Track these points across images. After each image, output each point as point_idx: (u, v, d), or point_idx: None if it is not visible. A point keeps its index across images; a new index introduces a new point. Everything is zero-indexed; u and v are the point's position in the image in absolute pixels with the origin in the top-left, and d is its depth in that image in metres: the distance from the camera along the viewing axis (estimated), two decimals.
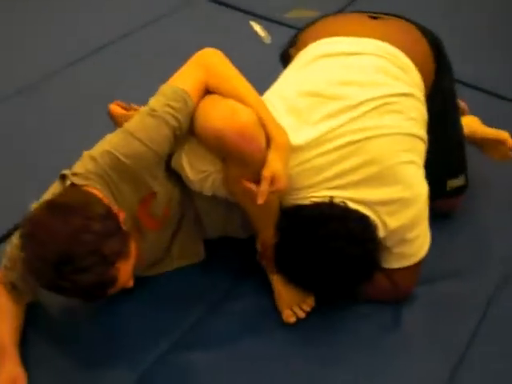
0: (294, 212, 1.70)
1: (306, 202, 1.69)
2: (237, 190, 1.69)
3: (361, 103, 1.69)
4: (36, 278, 1.45)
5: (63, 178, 1.62)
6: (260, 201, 1.60)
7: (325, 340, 1.80)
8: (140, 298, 1.83)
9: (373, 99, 1.70)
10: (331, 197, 1.67)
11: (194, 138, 1.66)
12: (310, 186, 1.69)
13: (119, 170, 1.58)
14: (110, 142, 1.60)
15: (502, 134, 2.15)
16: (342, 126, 1.67)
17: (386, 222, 1.70)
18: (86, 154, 1.62)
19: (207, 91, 1.67)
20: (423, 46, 1.90)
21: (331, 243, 1.63)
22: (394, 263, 1.79)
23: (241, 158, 1.60)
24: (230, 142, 1.55)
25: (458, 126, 2.03)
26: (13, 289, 1.70)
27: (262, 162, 1.60)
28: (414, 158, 1.74)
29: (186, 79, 1.64)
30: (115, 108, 2.07)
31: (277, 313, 1.83)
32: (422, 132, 1.79)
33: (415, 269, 1.81)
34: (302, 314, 1.82)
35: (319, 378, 1.72)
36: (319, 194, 1.69)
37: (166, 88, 1.64)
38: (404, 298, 1.87)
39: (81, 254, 1.38)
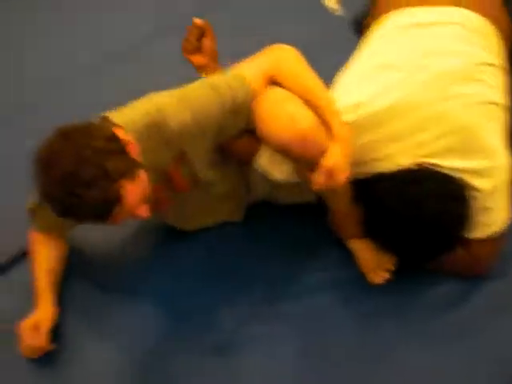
0: (382, 177, 1.72)
1: (392, 167, 1.71)
2: (305, 179, 1.73)
3: (443, 73, 1.69)
4: (47, 200, 1.50)
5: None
6: (315, 188, 1.67)
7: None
8: None
9: (456, 67, 1.70)
10: (419, 163, 1.69)
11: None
12: (393, 155, 1.72)
13: (160, 130, 1.61)
14: (165, 102, 1.62)
15: None
16: (422, 95, 1.69)
17: (471, 186, 1.70)
18: (145, 100, 1.65)
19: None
20: (501, 7, 1.87)
21: (424, 202, 1.65)
22: (473, 232, 1.75)
23: (305, 161, 1.66)
24: (295, 150, 1.62)
25: None
26: (44, 231, 1.83)
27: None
28: (497, 126, 1.73)
29: (253, 69, 1.67)
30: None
31: None
32: (504, 100, 1.77)
33: (495, 242, 1.78)
34: (386, 275, 1.84)
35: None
36: (404, 162, 1.71)
37: (231, 73, 1.67)
38: (482, 273, 1.83)
39: (83, 169, 1.43)
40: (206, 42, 1.90)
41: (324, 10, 2.76)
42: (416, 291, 1.85)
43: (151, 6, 2.89)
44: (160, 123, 1.61)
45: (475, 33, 1.79)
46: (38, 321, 1.72)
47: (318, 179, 1.65)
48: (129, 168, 1.49)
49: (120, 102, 1.68)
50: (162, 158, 1.67)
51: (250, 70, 1.67)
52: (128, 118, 1.60)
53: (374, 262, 1.85)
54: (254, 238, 2.00)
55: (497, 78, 1.77)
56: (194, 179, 1.77)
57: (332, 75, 1.88)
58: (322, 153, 1.62)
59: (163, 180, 1.73)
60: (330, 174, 1.63)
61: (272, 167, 1.80)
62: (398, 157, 1.72)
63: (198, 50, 1.91)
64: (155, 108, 1.61)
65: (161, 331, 1.83)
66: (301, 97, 1.65)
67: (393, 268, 1.84)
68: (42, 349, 1.72)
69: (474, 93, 1.71)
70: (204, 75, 1.89)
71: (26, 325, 1.71)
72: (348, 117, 1.70)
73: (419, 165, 1.70)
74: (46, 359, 1.74)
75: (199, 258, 1.96)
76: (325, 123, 1.64)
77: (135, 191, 1.51)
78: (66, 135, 1.47)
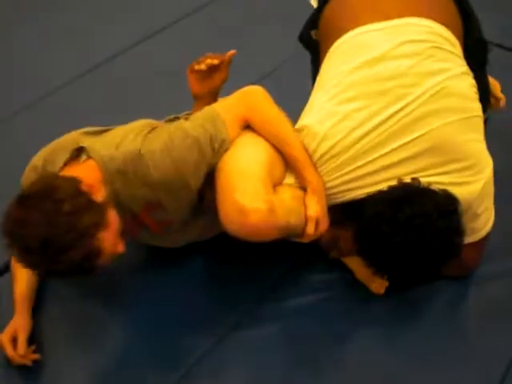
0: (371, 200, 1.65)
1: (382, 187, 1.65)
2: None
3: (417, 97, 1.64)
4: (30, 268, 1.53)
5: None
6: (307, 241, 1.68)
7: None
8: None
9: (431, 87, 1.64)
10: (413, 178, 1.63)
11: None
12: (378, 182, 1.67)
13: (139, 174, 1.60)
14: (149, 148, 1.60)
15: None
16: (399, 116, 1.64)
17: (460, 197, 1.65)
18: (126, 133, 1.65)
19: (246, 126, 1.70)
20: (451, 4, 1.81)
21: (419, 219, 1.57)
22: (466, 238, 1.70)
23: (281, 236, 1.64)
24: (248, 239, 1.59)
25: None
26: None
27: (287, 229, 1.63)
28: (478, 136, 1.71)
29: (227, 112, 1.67)
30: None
31: None
32: (479, 106, 1.73)
33: (482, 243, 1.79)
34: (385, 283, 1.82)
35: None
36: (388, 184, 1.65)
37: (208, 112, 1.67)
38: (471, 272, 1.87)
39: (58, 235, 1.44)
40: (217, 78, 1.85)
41: None
42: (415, 297, 1.85)
43: None
44: (140, 168, 1.60)
45: (439, 43, 1.71)
46: (15, 330, 1.72)
47: (309, 231, 1.66)
48: (100, 217, 1.50)
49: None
50: (135, 199, 1.65)
51: (226, 115, 1.66)
52: (107, 153, 1.61)
53: (371, 272, 1.81)
54: None
55: (471, 87, 1.72)
56: (166, 223, 1.74)
57: None
58: (278, 233, 1.61)
59: (134, 218, 1.70)
60: (318, 224, 1.66)
61: None
62: (383, 184, 1.66)
63: (204, 77, 1.84)
64: (138, 152, 1.60)
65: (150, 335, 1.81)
66: (273, 143, 1.68)
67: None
68: (24, 358, 1.71)
69: (450, 108, 1.65)
70: (194, 105, 1.87)
71: (5, 335, 1.71)
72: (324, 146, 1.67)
73: (403, 183, 1.64)
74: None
75: (198, 257, 1.95)
76: (298, 173, 1.67)
77: (110, 237, 1.53)
78: (30, 204, 1.47)
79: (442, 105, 1.65)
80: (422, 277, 1.74)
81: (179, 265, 1.93)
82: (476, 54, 1.85)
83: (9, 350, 1.70)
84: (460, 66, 1.72)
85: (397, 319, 1.82)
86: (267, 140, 1.68)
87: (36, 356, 1.73)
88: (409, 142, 1.64)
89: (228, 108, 1.69)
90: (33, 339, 1.75)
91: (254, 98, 1.71)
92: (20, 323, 1.74)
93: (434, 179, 1.64)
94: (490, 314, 1.80)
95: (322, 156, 1.67)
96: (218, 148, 1.62)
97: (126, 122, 1.73)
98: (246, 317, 1.82)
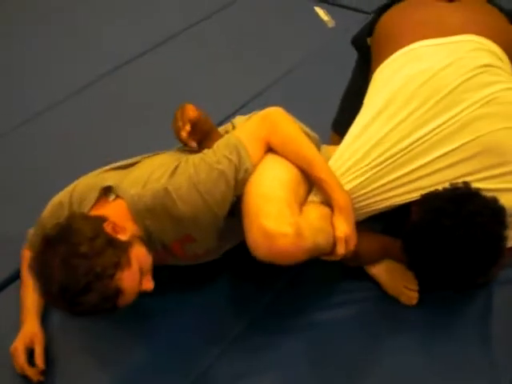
0: (429, 197, 1.61)
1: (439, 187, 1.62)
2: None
3: (468, 106, 1.63)
4: (55, 307, 1.56)
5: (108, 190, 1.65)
6: (337, 259, 1.66)
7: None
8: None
9: (482, 98, 1.64)
10: (464, 182, 1.60)
11: None
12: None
13: (168, 209, 1.61)
14: (176, 180, 1.61)
15: None
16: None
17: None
18: (152, 170, 1.65)
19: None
20: (505, 23, 1.83)
21: (480, 217, 1.53)
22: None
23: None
24: (277, 263, 1.57)
25: None
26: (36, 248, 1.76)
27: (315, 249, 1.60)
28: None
29: (249, 138, 1.67)
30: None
31: None
32: None
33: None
34: (415, 294, 1.81)
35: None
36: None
37: (231, 141, 1.66)
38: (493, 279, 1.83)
39: (75, 279, 1.44)
40: (200, 124, 1.77)
41: None
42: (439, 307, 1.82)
43: None
44: (168, 204, 1.60)
45: (492, 58, 1.72)
46: (31, 340, 1.69)
47: (340, 251, 1.64)
48: (120, 257, 1.49)
49: None
50: (166, 234, 1.65)
51: (248, 142, 1.66)
52: (136, 192, 1.61)
53: (399, 282, 1.81)
54: None
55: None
56: (196, 255, 1.75)
57: None
58: (307, 254, 1.58)
59: (166, 249, 1.71)
60: (347, 242, 1.65)
61: None
62: (427, 189, 1.64)
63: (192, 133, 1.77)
64: (164, 189, 1.60)
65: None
66: (295, 163, 1.67)
67: (417, 287, 1.81)
68: (37, 373, 1.67)
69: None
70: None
71: (19, 344, 1.68)
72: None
73: (465, 182, 1.61)
74: None
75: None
76: (323, 192, 1.66)
77: (132, 276, 1.51)
78: (50, 245, 1.49)
79: (491, 111, 1.63)
80: (464, 281, 1.65)
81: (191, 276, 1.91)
82: None
83: (21, 360, 1.66)
84: (510, 81, 1.71)
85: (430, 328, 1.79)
86: (288, 158, 1.68)
87: (42, 377, 1.68)
88: (457, 148, 1.62)
89: (249, 134, 1.69)
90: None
91: (273, 121, 1.71)
92: (35, 333, 1.71)
93: (482, 185, 1.61)
94: None
95: (370, 163, 1.66)
96: (241, 178, 1.63)
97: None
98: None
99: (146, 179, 1.64)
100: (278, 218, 1.55)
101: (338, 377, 1.68)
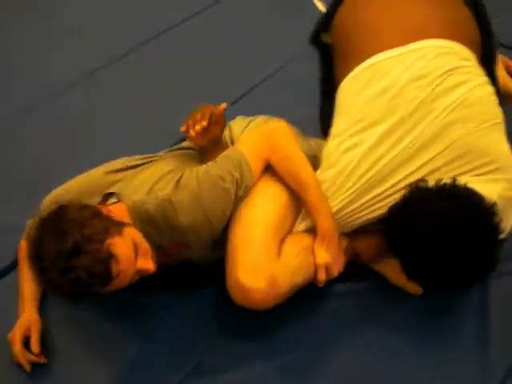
0: (417, 193, 1.64)
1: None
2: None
3: (438, 114, 1.65)
4: (53, 291, 1.53)
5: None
6: (321, 285, 1.71)
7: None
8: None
9: (452, 103, 1.66)
10: (453, 178, 1.63)
11: None
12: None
13: (169, 220, 1.64)
14: (180, 192, 1.64)
15: None
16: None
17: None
18: (157, 178, 1.69)
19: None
20: (466, 14, 1.81)
21: (464, 216, 1.55)
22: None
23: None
24: (255, 310, 1.64)
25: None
26: None
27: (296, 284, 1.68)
28: (501, 138, 1.72)
29: (252, 155, 1.71)
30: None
31: None
32: (499, 113, 1.73)
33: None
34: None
35: None
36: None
37: (236, 156, 1.70)
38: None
39: (65, 240, 1.46)
40: (215, 129, 1.78)
41: None
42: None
43: None
44: (170, 215, 1.63)
45: (458, 59, 1.73)
46: (28, 327, 1.73)
47: (321, 278, 1.70)
48: (110, 225, 1.52)
49: None
50: (164, 239, 1.68)
51: (251, 159, 1.70)
52: (138, 199, 1.65)
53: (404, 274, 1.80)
54: None
55: (490, 96, 1.74)
56: (190, 258, 1.79)
57: None
58: (283, 297, 1.65)
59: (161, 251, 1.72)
60: (327, 269, 1.71)
61: None
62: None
63: (202, 133, 1.77)
64: (168, 199, 1.63)
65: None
66: (288, 182, 1.72)
67: None
68: (34, 358, 1.71)
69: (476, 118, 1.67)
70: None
71: (17, 332, 1.72)
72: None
73: (453, 178, 1.63)
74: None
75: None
76: (310, 214, 1.71)
77: (124, 244, 1.52)
78: (42, 225, 1.52)
79: (462, 115, 1.66)
80: (457, 282, 1.67)
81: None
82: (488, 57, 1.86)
83: (18, 347, 1.70)
84: (479, 76, 1.73)
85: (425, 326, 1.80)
86: (283, 177, 1.72)
87: (43, 359, 1.72)
88: (433, 158, 1.65)
89: (252, 150, 1.72)
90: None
91: (276, 140, 1.74)
92: (32, 320, 1.75)
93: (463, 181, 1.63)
94: None
95: (357, 181, 1.68)
96: (241, 195, 1.68)
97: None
98: None
99: (150, 187, 1.67)
100: (252, 271, 1.61)
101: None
